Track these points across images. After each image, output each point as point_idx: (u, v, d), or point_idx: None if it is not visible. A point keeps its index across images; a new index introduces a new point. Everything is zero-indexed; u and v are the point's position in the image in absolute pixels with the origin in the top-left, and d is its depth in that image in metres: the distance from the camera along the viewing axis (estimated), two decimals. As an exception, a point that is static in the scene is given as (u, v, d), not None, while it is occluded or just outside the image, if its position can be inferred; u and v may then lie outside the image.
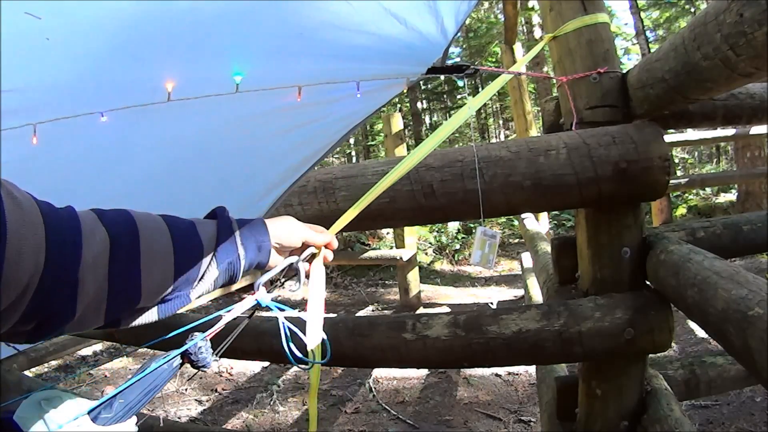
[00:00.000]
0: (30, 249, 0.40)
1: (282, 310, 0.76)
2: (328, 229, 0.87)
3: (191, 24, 0.80)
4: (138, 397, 0.66)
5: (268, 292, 0.76)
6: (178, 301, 0.58)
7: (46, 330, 0.45)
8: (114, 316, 0.50)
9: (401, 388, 3.17)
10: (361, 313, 4.98)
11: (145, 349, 3.96)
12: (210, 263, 0.59)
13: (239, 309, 0.74)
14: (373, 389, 3.16)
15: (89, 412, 0.62)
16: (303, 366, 0.79)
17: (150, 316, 0.56)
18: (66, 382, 3.65)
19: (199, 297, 0.60)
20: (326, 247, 0.77)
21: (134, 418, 0.66)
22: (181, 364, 0.71)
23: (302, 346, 0.78)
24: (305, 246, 0.73)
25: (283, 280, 0.78)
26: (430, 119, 15.98)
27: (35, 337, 0.45)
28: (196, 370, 0.70)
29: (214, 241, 0.60)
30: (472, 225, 7.04)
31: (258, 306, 0.75)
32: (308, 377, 3.46)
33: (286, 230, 0.69)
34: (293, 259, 0.78)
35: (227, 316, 0.74)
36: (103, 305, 0.48)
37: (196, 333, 0.72)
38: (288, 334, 0.76)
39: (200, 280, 0.59)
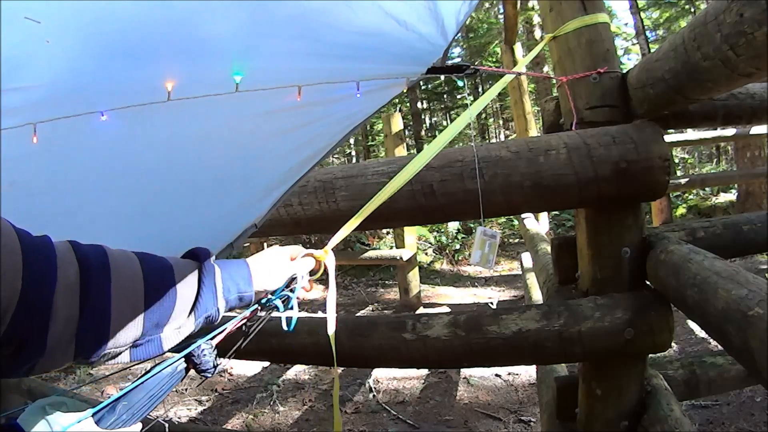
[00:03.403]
0: (8, 274, 0.41)
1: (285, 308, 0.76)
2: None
3: (191, 24, 0.80)
4: (142, 401, 0.66)
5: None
6: (150, 346, 0.57)
7: (19, 360, 0.45)
8: (83, 352, 0.50)
9: (401, 388, 3.17)
10: (361, 313, 4.98)
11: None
12: (188, 318, 0.59)
13: (245, 313, 0.75)
14: (373, 389, 3.16)
15: (93, 415, 0.62)
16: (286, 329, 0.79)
17: (123, 357, 0.56)
18: (66, 381, 3.65)
19: (173, 347, 0.60)
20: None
21: (139, 425, 0.65)
22: (187, 369, 0.71)
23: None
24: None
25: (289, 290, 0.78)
26: (430, 119, 15.99)
27: (11, 366, 0.45)
28: (201, 374, 0.70)
29: (194, 290, 0.59)
30: (472, 225, 7.04)
31: (262, 305, 0.75)
32: (308, 377, 3.47)
33: (270, 277, 0.69)
34: (293, 274, 0.78)
35: (231, 322, 0.74)
36: (73, 339, 0.48)
37: (197, 338, 0.72)
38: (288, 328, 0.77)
39: (176, 330, 0.58)
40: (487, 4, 11.59)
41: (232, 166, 1.17)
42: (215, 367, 0.71)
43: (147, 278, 0.55)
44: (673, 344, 1.78)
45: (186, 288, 0.58)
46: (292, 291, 0.74)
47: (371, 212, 0.90)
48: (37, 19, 0.66)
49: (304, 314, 0.82)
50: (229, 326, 0.73)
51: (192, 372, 0.71)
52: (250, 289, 0.65)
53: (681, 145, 7.52)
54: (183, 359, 0.70)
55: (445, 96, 14.13)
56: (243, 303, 0.65)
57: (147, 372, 0.68)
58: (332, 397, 3.14)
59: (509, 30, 4.88)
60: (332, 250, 0.83)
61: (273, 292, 0.72)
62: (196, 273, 0.61)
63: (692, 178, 6.38)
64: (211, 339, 0.72)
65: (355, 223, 0.89)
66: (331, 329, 0.89)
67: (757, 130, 4.59)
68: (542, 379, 1.82)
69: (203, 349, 0.70)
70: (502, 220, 7.87)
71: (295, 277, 0.74)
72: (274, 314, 0.77)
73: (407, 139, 7.82)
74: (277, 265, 0.71)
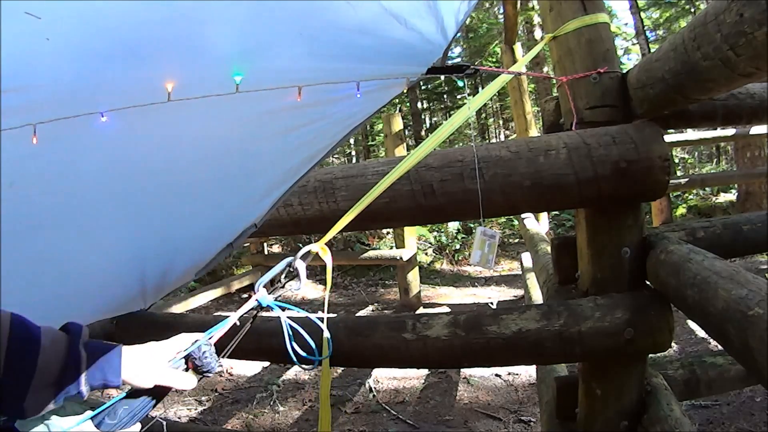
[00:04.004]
0: None
1: (284, 309, 0.76)
2: (327, 231, 0.87)
3: (191, 24, 0.80)
4: (143, 403, 0.66)
5: (269, 293, 0.76)
6: (12, 411, 0.57)
7: None
8: None
9: (401, 388, 3.17)
10: (361, 313, 4.98)
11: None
12: (48, 395, 0.59)
13: (240, 312, 0.75)
14: (373, 389, 3.16)
15: (92, 418, 0.62)
16: (305, 366, 0.79)
17: None
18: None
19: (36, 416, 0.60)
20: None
21: (138, 425, 0.65)
22: (186, 369, 0.71)
23: (304, 345, 0.79)
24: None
25: (284, 280, 0.78)
26: (430, 119, 15.98)
27: None
28: (203, 375, 0.70)
29: (56, 372, 0.59)
30: (472, 225, 7.03)
31: (260, 306, 0.75)
32: (308, 377, 3.47)
33: (139, 373, 0.67)
34: (289, 259, 0.78)
35: (230, 318, 0.74)
36: None
37: (198, 339, 0.72)
38: (290, 333, 0.77)
39: (36, 403, 0.59)
40: (487, 4, 11.59)
41: (232, 166, 1.17)
42: (216, 367, 0.71)
43: (10, 345, 0.55)
44: (673, 344, 1.78)
45: (48, 367, 0.59)
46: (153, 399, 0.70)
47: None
48: (37, 15, 0.66)
49: (304, 314, 0.82)
50: (225, 326, 0.73)
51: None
52: (116, 380, 0.65)
53: (681, 145, 7.52)
54: (183, 360, 0.70)
55: (445, 96, 14.12)
56: (108, 387, 0.65)
57: None
58: (332, 396, 3.13)
59: (509, 30, 4.88)
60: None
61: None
62: (63, 353, 0.61)
63: (692, 178, 6.38)
64: (209, 338, 0.73)
65: (353, 215, 0.89)
66: (325, 326, 0.89)
67: (757, 130, 4.59)
68: (542, 379, 1.83)
69: (204, 351, 0.70)
70: (502, 220, 7.86)
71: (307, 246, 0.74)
72: (274, 314, 0.77)
73: (407, 139, 7.81)
74: (150, 367, 0.68)
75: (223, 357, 0.74)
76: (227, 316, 0.77)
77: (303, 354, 0.79)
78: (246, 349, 1.54)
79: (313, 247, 0.80)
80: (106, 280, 1.33)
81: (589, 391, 1.31)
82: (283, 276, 0.78)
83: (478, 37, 11.82)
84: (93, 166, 1.03)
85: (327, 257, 0.82)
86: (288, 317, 0.77)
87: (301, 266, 0.78)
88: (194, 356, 0.69)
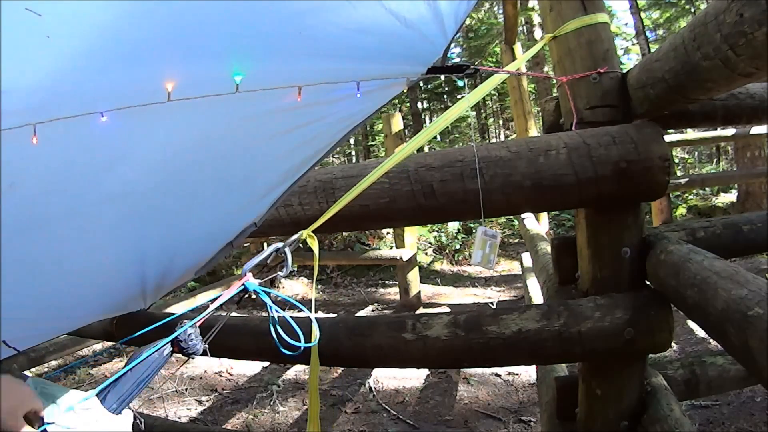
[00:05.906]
0: None
1: (269, 295, 0.77)
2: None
3: (191, 24, 0.80)
4: (130, 388, 0.67)
5: (255, 277, 0.77)
6: None
7: None
8: None
9: (401, 388, 3.17)
10: (361, 313, 4.98)
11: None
12: None
13: (227, 295, 0.76)
14: (373, 389, 3.16)
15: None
16: (291, 352, 0.79)
17: None
18: (66, 381, 3.65)
19: None
20: None
21: (129, 412, 0.66)
22: (172, 352, 0.72)
23: (291, 333, 0.79)
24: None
25: (271, 265, 0.79)
26: (430, 119, 15.98)
27: None
28: (187, 358, 0.71)
29: None
30: (472, 225, 7.04)
31: (246, 291, 0.76)
32: (308, 377, 3.47)
33: None
34: (278, 245, 0.79)
35: (215, 302, 0.75)
36: None
37: (185, 320, 0.73)
38: (276, 318, 0.77)
39: None
40: (487, 4, 11.59)
41: (232, 166, 1.17)
42: (201, 349, 0.72)
43: None
44: (673, 344, 1.78)
45: None
46: None
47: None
48: (38, 12, 0.66)
49: (291, 302, 0.82)
50: (210, 311, 0.74)
51: (192, 372, 0.72)
52: None
53: (681, 145, 7.53)
54: (169, 343, 0.71)
55: (445, 96, 14.12)
56: None
57: (132, 357, 0.69)
58: (332, 396, 3.14)
59: (509, 30, 4.87)
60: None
61: None
62: None
63: (692, 178, 6.39)
64: (197, 322, 0.73)
65: (346, 201, 0.89)
66: (312, 315, 0.89)
67: (757, 130, 4.59)
68: (542, 379, 1.83)
69: (189, 333, 0.71)
70: (502, 220, 7.86)
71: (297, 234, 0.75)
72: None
73: (407, 139, 7.80)
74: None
75: (207, 341, 0.75)
76: (221, 309, 0.78)
77: (292, 342, 0.79)
78: (246, 349, 1.54)
79: (299, 235, 0.81)
80: (106, 280, 1.33)
81: (589, 391, 1.31)
82: (269, 261, 0.79)
83: (478, 37, 11.81)
84: (93, 166, 1.03)
85: (314, 244, 0.83)
86: (278, 309, 0.78)
87: (288, 252, 0.79)
88: (180, 339, 0.71)
